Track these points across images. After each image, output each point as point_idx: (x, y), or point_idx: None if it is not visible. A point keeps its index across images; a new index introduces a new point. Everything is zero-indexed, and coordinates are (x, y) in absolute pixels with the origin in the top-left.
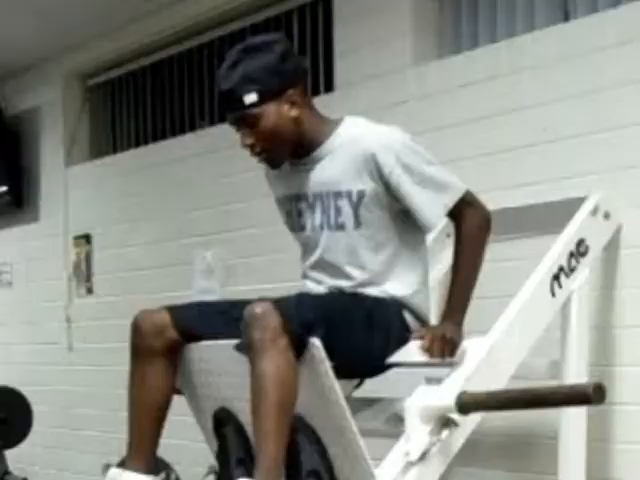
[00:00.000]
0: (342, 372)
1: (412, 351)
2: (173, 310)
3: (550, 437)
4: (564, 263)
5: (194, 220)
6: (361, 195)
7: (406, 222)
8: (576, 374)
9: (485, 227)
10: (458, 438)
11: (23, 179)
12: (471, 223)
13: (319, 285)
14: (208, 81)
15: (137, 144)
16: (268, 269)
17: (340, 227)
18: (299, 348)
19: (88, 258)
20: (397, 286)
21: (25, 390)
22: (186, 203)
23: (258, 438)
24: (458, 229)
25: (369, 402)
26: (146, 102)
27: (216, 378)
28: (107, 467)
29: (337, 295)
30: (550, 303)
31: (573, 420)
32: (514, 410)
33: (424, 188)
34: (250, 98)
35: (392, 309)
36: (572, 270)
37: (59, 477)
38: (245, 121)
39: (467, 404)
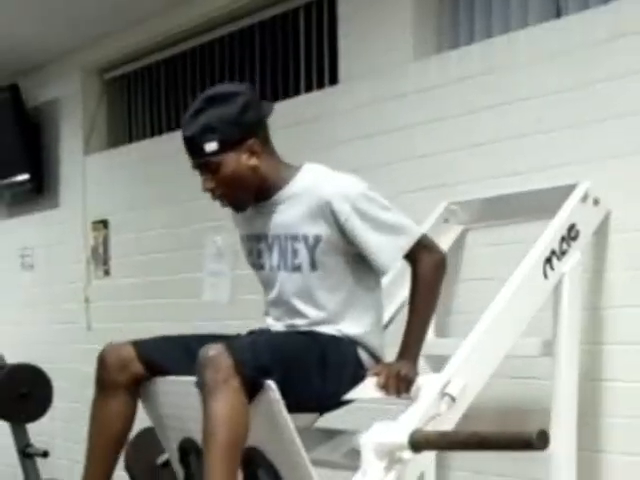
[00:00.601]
0: (299, 408)
1: (369, 387)
2: (138, 345)
3: (543, 411)
4: (556, 247)
5: (205, 206)
6: (317, 239)
7: (361, 265)
8: (567, 352)
9: (440, 269)
10: (411, 474)
11: (44, 167)
12: (426, 266)
13: (278, 322)
14: (218, 75)
15: (152, 134)
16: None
17: (296, 269)
18: (253, 388)
19: (105, 242)
20: (352, 326)
21: (46, 367)
22: (198, 190)
23: (208, 477)
24: (414, 271)
25: (330, 434)
26: (160, 95)
27: (180, 410)
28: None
29: (293, 334)
30: (543, 285)
31: (565, 395)
32: (463, 451)
33: (380, 233)
34: (210, 147)
35: (347, 347)
36: (563, 253)
37: (77, 450)
38: (206, 167)
39: (419, 443)
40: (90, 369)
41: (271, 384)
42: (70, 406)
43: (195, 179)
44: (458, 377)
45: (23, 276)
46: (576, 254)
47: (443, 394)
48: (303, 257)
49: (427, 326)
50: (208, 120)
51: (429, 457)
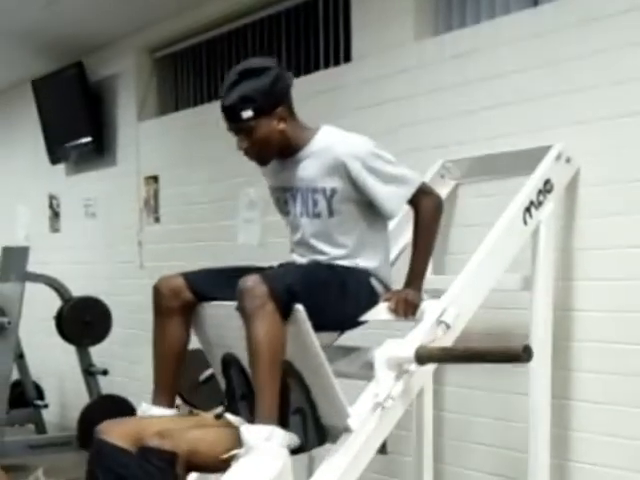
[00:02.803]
0: (323, 328)
1: (381, 311)
2: (187, 276)
3: (523, 336)
4: (534, 198)
5: (240, 164)
6: (333, 191)
7: (371, 211)
8: (543, 287)
9: (438, 210)
10: (416, 383)
11: (104, 132)
12: (426, 208)
13: (302, 258)
14: (251, 54)
15: (195, 104)
16: None
17: (317, 215)
18: (286, 311)
19: (156, 194)
20: (366, 260)
21: (105, 299)
22: (233, 151)
23: (256, 389)
24: (416, 214)
25: (348, 350)
26: (202, 70)
27: (223, 330)
28: None
29: (316, 266)
30: (523, 230)
31: (541, 323)
32: (460, 363)
33: (386, 184)
34: (247, 114)
35: (362, 277)
36: (540, 204)
37: (131, 369)
38: (242, 130)
39: (423, 356)
40: (142, 300)
41: (300, 307)
42: (126, 332)
43: (230, 141)
44: (452, 307)
45: (86, 223)
46: (551, 204)
47: (439, 321)
48: (322, 206)
49: (429, 258)
50: (245, 91)
51: (430, 370)
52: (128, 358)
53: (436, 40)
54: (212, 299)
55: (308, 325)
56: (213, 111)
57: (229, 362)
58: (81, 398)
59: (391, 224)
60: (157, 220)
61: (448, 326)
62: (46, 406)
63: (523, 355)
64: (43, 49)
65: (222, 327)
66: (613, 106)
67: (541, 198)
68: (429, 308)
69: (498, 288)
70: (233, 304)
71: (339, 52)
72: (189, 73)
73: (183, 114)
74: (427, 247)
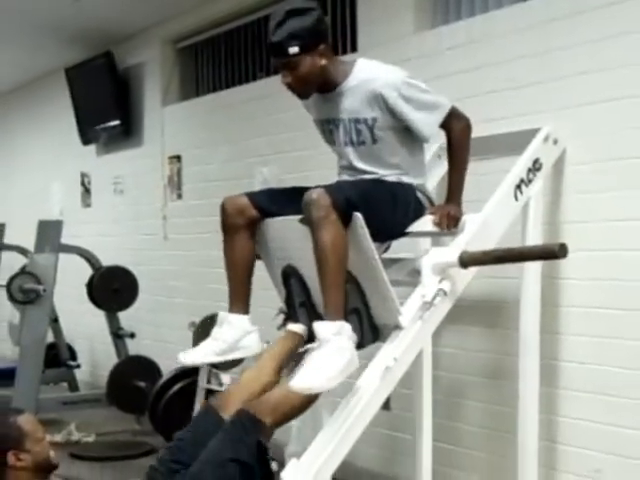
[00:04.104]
0: (376, 237)
1: (427, 223)
2: (251, 195)
3: (514, 302)
4: (524, 176)
5: (255, 145)
6: (374, 121)
7: (409, 135)
8: None
9: (468, 131)
10: (459, 287)
11: (131, 116)
12: (457, 130)
13: (351, 179)
14: (265, 45)
15: (214, 90)
16: (307, 181)
17: (361, 143)
18: (346, 220)
19: (179, 173)
20: (411, 177)
21: (132, 268)
22: (249, 133)
23: (325, 290)
24: (448, 135)
25: (395, 261)
26: (221, 60)
27: (285, 243)
28: (192, 324)
29: (370, 180)
30: (514, 205)
31: (531, 290)
32: (502, 264)
33: (420, 111)
34: (293, 50)
35: (409, 191)
36: (530, 181)
37: (157, 332)
38: (287, 66)
39: (467, 260)
40: (167, 269)
41: (358, 215)
42: (151, 298)
43: (245, 124)
44: (449, 277)
45: (115, 199)
46: (539, 182)
47: (438, 290)
48: (366, 135)
49: (464, 174)
50: (292, 29)
51: (472, 272)
52: (153, 322)
53: (434, 33)
54: (274, 215)
55: (366, 231)
56: (231, 96)
57: (289, 273)
58: (110, 359)
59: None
60: (180, 196)
61: (445, 293)
62: (78, 366)
63: (559, 251)
64: (75, 40)
65: (284, 240)
66: (597, 92)
67: (531, 176)
68: (469, 220)
69: None
70: (295, 218)
71: (346, 43)
72: (209, 62)
73: (203, 99)
74: (462, 164)
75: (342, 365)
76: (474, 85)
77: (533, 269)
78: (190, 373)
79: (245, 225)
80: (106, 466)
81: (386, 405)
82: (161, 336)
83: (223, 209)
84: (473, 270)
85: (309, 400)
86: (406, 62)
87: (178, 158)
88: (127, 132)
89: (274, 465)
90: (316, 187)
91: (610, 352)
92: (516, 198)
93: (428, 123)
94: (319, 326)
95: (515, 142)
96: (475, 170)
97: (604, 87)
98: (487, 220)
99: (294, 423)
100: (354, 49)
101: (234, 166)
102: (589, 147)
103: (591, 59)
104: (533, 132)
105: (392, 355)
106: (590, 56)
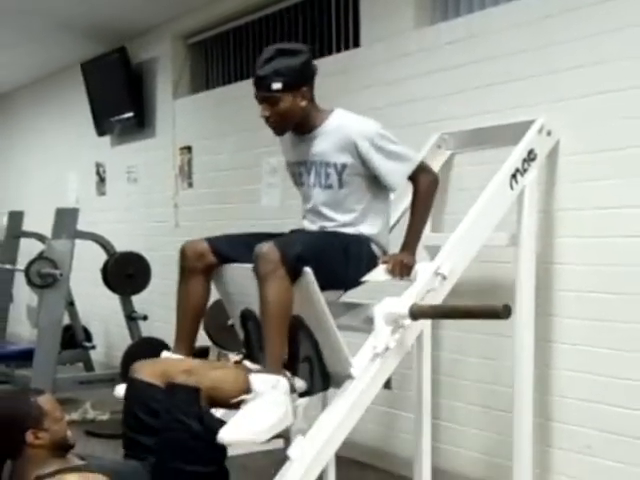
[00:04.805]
0: (328, 287)
1: (380, 272)
2: (211, 240)
3: (509, 287)
4: (519, 166)
5: (262, 136)
6: (344, 166)
7: (376, 184)
8: (527, 243)
9: (433, 186)
10: (410, 337)
11: (144, 108)
12: (424, 184)
13: (312, 224)
14: (272, 41)
15: (223, 83)
16: None
17: (328, 187)
18: (295, 273)
19: (189, 162)
20: (368, 227)
21: (145, 254)
22: (257, 124)
23: (266, 342)
24: (415, 188)
25: (351, 306)
26: (230, 54)
27: (242, 288)
28: None
29: (323, 233)
30: (509, 193)
31: (526, 275)
32: (447, 319)
33: (390, 161)
34: (276, 86)
35: (364, 243)
36: (525, 171)
37: (169, 314)
38: (268, 100)
39: (416, 313)
40: (177, 255)
41: (308, 270)
42: (163, 282)
43: (253, 116)
44: (448, 261)
45: (129, 187)
46: (534, 171)
47: (437, 274)
48: (333, 179)
49: (423, 227)
50: (278, 66)
51: (425, 323)
52: (165, 305)
53: (433, 28)
54: (232, 261)
55: (315, 286)
56: (239, 90)
57: (247, 317)
58: (124, 340)
59: (392, 195)
60: (190, 185)
61: (444, 277)
62: (93, 347)
63: (503, 312)
64: (91, 37)
65: (241, 286)
66: (589, 85)
67: (525, 166)
68: (422, 269)
69: (488, 244)
70: (250, 266)
71: (349, 38)
72: (218, 57)
73: (213, 92)
74: (422, 217)
75: (274, 420)
76: (472, 78)
77: (528, 254)
78: (200, 353)
79: (202, 270)
80: (120, 443)
81: (387, 384)
82: (172, 318)
83: (183, 253)
84: (424, 321)
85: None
86: (407, 56)
87: (189, 148)
88: (140, 124)
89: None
90: (268, 240)
91: (601, 334)
92: (512, 187)
93: (397, 172)
94: (255, 378)
95: (511, 133)
96: (472, 160)
97: (596, 81)
98: (485, 207)
99: (300, 402)
100: (357, 44)
101: (242, 156)
102: (582, 138)
103: (584, 54)
104: (528, 124)
105: (344, 404)
106: (583, 51)
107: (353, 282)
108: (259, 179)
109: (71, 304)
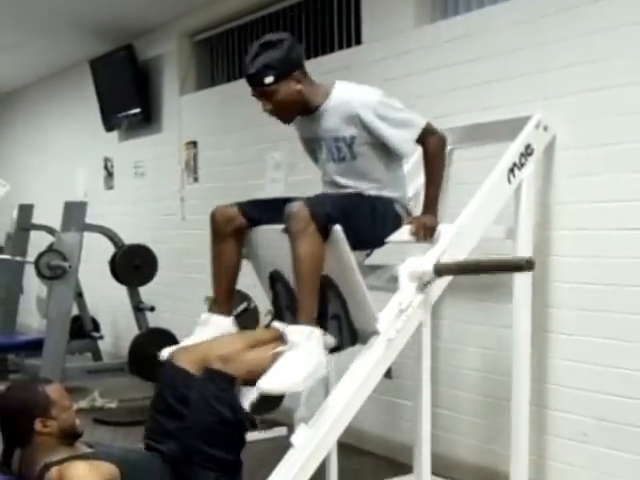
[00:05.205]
0: (356, 246)
1: (404, 233)
2: (240, 205)
3: (507, 277)
4: (517, 160)
5: (266, 131)
6: (352, 138)
7: (387, 152)
8: (524, 236)
9: (443, 145)
10: (434, 293)
11: (151, 104)
12: (433, 145)
13: (333, 192)
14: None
15: (228, 80)
16: (313, 166)
17: (342, 160)
18: (325, 232)
19: (195, 157)
20: (390, 191)
21: (152, 246)
22: (261, 120)
23: (299, 297)
24: (424, 150)
25: (376, 267)
26: (234, 51)
27: (271, 250)
28: (207, 298)
29: (351, 194)
30: (507, 187)
31: None
32: (472, 274)
33: (395, 128)
34: (269, 80)
35: (388, 205)
36: (522, 165)
37: (175, 305)
38: (265, 94)
39: (440, 270)
40: (184, 247)
41: (337, 228)
42: (170, 274)
43: (258, 112)
44: (446, 253)
45: (136, 182)
46: (531, 165)
47: (425, 280)
48: (345, 151)
49: (440, 187)
50: (265, 60)
51: (444, 285)
52: (172, 296)
53: (433, 27)
54: (261, 224)
55: (345, 243)
56: (244, 86)
57: (276, 278)
58: (131, 330)
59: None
60: (196, 179)
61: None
62: (101, 337)
63: (526, 265)
64: (99, 34)
65: (270, 248)
66: (585, 82)
67: (523, 160)
68: (444, 230)
69: (486, 237)
70: (280, 227)
71: (351, 36)
72: (223, 54)
73: (218, 89)
74: (437, 177)
75: (310, 369)
76: (470, 76)
77: (525, 246)
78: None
79: (233, 232)
80: (127, 431)
81: (388, 373)
82: (178, 309)
83: (213, 217)
84: (448, 278)
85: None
86: (407, 54)
87: (194, 144)
88: (147, 119)
89: (249, 418)
90: (298, 200)
91: (596, 324)
92: (509, 181)
93: (404, 139)
94: (291, 330)
95: (508, 129)
96: (471, 155)
97: (591, 78)
98: (483, 201)
99: (303, 390)
100: (358, 42)
101: (247, 151)
102: (577, 133)
103: (579, 52)
104: (525, 119)
105: (371, 358)
106: (578, 49)
107: (379, 242)
108: (263, 174)
109: (80, 295)
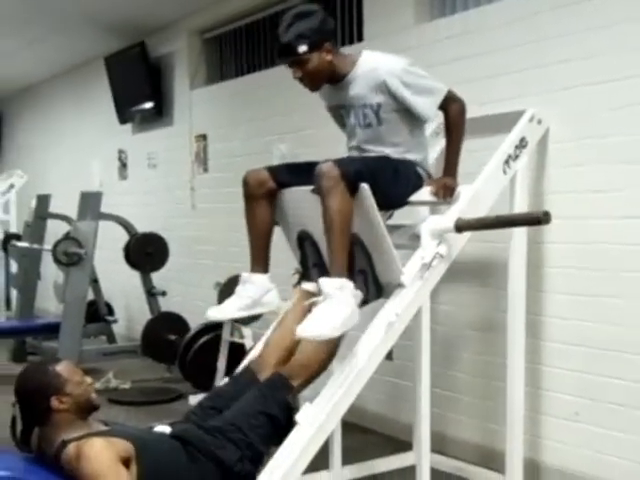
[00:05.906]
0: (380, 206)
1: (425, 194)
2: (271, 168)
3: (503, 264)
4: (512, 152)
5: (273, 124)
6: (379, 106)
7: (411, 117)
8: None
9: (463, 112)
10: (454, 250)
11: (162, 98)
12: (453, 111)
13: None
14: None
15: (237, 75)
16: (318, 156)
17: (368, 125)
18: (353, 190)
19: (205, 149)
20: (412, 154)
21: (164, 234)
22: (268, 113)
23: (330, 251)
24: (446, 116)
25: (398, 227)
26: (243, 49)
27: (299, 211)
28: (217, 284)
29: (376, 157)
30: (503, 178)
31: (518, 252)
32: (492, 229)
33: (419, 95)
34: (302, 49)
35: (411, 167)
36: (517, 157)
37: (186, 290)
38: (296, 63)
39: (462, 226)
40: (194, 235)
41: (365, 186)
42: (180, 260)
43: (264, 106)
44: (445, 241)
45: (149, 172)
46: (525, 157)
47: (436, 254)
48: (371, 118)
49: (460, 151)
50: (299, 30)
51: (465, 237)
52: (182, 281)
53: (432, 24)
54: (291, 186)
55: (372, 200)
56: (252, 81)
57: (304, 238)
58: (144, 314)
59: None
60: (206, 170)
61: (442, 256)
62: (115, 321)
63: (543, 218)
64: (113, 32)
65: (299, 208)
66: (577, 78)
67: (517, 152)
68: (464, 191)
69: None
70: (308, 189)
71: (353, 33)
72: (232, 51)
73: (227, 84)
74: (458, 141)
75: (344, 317)
76: (468, 71)
77: (520, 235)
78: (215, 327)
79: (264, 195)
80: (140, 410)
81: (389, 356)
82: (189, 294)
83: (245, 181)
84: (467, 235)
85: (329, 357)
86: (407, 51)
87: (204, 136)
88: (159, 113)
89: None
90: (327, 161)
91: (588, 308)
92: (504, 172)
93: (427, 106)
94: (324, 282)
95: (504, 122)
96: (468, 147)
97: (584, 74)
98: (479, 191)
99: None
100: (360, 39)
101: (254, 143)
102: (570, 126)
103: (573, 49)
104: (520, 113)
105: (395, 311)
106: (572, 45)
107: (402, 201)
108: (269, 164)
109: (95, 281)
